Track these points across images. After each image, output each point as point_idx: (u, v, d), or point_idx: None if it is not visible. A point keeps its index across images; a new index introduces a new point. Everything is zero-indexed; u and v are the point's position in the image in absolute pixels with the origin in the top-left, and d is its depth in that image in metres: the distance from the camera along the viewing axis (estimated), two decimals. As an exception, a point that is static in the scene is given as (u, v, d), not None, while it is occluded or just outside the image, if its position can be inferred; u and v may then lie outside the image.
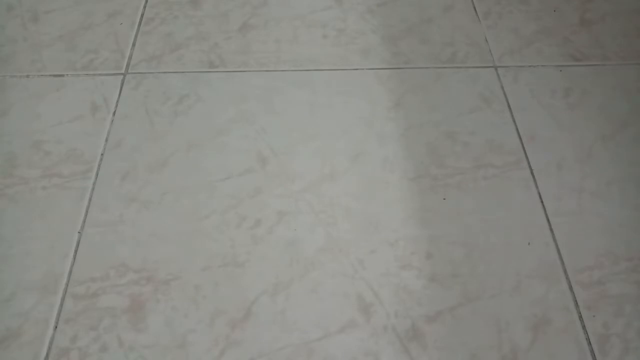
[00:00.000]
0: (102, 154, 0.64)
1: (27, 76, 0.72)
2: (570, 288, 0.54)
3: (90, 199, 0.60)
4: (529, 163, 0.63)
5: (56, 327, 0.52)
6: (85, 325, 0.52)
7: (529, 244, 0.57)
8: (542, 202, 0.60)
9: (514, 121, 0.67)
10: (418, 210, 0.60)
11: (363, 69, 0.73)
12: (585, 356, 0.51)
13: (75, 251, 0.57)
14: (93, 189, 0.61)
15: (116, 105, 0.68)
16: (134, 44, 0.75)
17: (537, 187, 0.61)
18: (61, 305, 0.53)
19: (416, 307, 0.53)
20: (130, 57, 0.73)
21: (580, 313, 0.53)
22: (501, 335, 0.52)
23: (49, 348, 0.51)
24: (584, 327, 0.52)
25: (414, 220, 0.59)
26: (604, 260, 0.56)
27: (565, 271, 0.55)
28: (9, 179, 0.62)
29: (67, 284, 0.54)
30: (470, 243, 0.57)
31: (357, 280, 0.55)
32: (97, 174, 0.62)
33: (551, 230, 0.58)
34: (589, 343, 0.51)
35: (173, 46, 0.75)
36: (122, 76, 0.71)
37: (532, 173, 0.63)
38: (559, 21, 0.78)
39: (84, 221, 0.59)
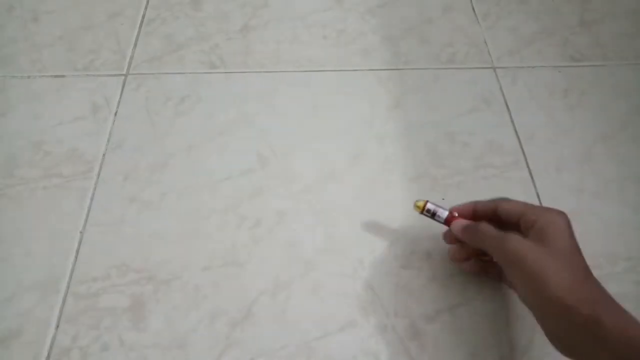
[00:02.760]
0: (103, 154, 0.64)
1: (28, 76, 0.72)
2: (569, 288, 0.54)
3: (91, 199, 0.60)
4: (527, 163, 0.64)
5: (57, 326, 0.52)
6: (86, 324, 0.52)
7: (528, 244, 0.57)
8: (540, 202, 0.61)
9: (512, 122, 0.67)
10: (418, 210, 0.60)
11: (363, 69, 0.73)
12: (584, 356, 0.51)
13: (77, 251, 0.57)
14: (94, 189, 0.61)
15: (117, 106, 0.69)
16: (135, 45, 0.75)
17: (535, 187, 0.62)
18: (62, 305, 0.53)
19: (416, 307, 0.53)
20: (131, 58, 0.74)
21: (579, 313, 0.53)
22: (500, 334, 0.52)
23: (50, 348, 0.51)
24: (582, 326, 0.52)
25: (414, 220, 0.59)
26: (602, 260, 0.56)
27: (564, 271, 0.55)
28: (10, 179, 0.62)
29: (68, 284, 0.55)
30: (470, 243, 0.58)
31: (357, 280, 0.55)
32: (98, 174, 0.62)
33: (550, 230, 0.58)
34: (588, 343, 0.51)
35: (174, 47, 0.75)
36: (123, 77, 0.72)
37: (530, 173, 0.63)
38: (559, 22, 0.78)
39: (86, 221, 0.59)
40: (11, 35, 0.76)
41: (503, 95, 0.70)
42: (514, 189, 0.62)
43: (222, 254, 0.57)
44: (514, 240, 0.40)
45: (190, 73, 0.72)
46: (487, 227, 0.44)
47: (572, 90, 0.71)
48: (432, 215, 0.50)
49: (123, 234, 0.58)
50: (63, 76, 0.72)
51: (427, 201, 0.51)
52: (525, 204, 0.44)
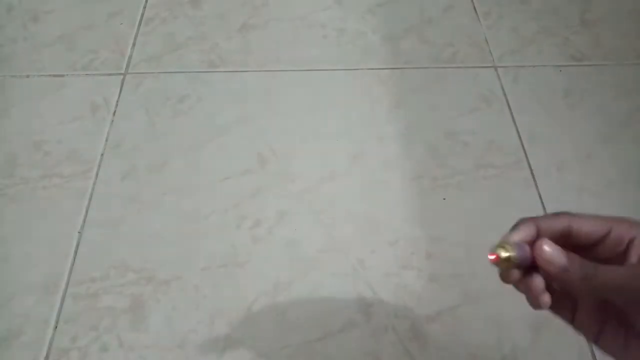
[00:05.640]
0: (102, 154, 0.64)
1: (28, 76, 0.72)
2: (570, 288, 0.54)
3: (90, 199, 0.60)
4: (528, 163, 0.63)
5: (56, 327, 0.52)
6: (85, 325, 0.52)
7: (529, 244, 0.57)
8: (542, 202, 0.60)
9: (513, 121, 0.67)
10: (418, 210, 0.60)
11: (363, 69, 0.73)
12: (586, 356, 0.51)
13: (76, 251, 0.57)
14: (93, 189, 0.61)
15: (116, 106, 0.69)
16: (134, 44, 0.75)
17: (537, 187, 0.61)
18: (61, 305, 0.53)
19: (416, 307, 0.53)
20: (130, 57, 0.73)
21: (580, 313, 0.53)
22: (501, 335, 0.52)
23: (49, 348, 0.51)
24: (584, 327, 0.52)
25: (414, 220, 0.59)
26: (604, 260, 0.56)
27: (565, 271, 0.55)
28: (10, 179, 0.62)
29: (67, 284, 0.54)
30: (470, 243, 0.57)
31: (357, 280, 0.55)
32: (97, 174, 0.62)
33: (551, 230, 0.58)
34: (589, 343, 0.51)
35: (173, 46, 0.75)
36: (122, 76, 0.71)
37: (532, 173, 0.63)
38: (559, 21, 0.78)
39: (84, 221, 0.59)
40: (10, 35, 0.76)
41: (504, 94, 0.70)
42: (515, 188, 0.61)
43: (221, 254, 0.57)
44: None
45: (189, 72, 0.72)
46: (611, 273, 0.28)
47: (573, 90, 0.70)
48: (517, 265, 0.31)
49: (122, 234, 0.58)
50: (62, 76, 0.72)
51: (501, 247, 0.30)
52: (603, 218, 0.32)
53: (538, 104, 0.69)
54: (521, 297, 0.56)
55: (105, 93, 0.70)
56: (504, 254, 0.30)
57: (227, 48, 0.75)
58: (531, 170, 0.63)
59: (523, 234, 0.31)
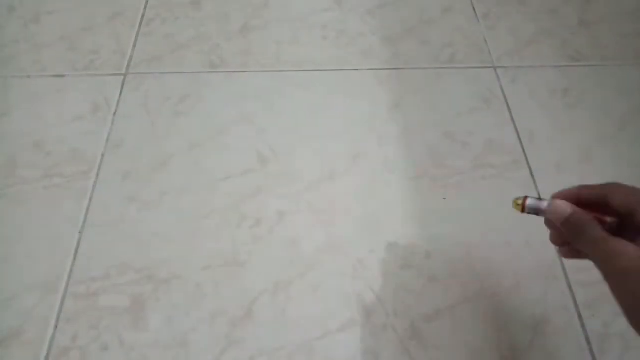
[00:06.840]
0: (103, 154, 0.64)
1: (29, 76, 0.72)
2: (570, 287, 0.55)
3: (91, 199, 0.60)
4: (528, 163, 0.64)
5: (57, 326, 0.52)
6: (85, 324, 0.52)
7: (527, 243, 0.57)
8: (541, 202, 0.60)
9: (513, 121, 0.67)
10: (418, 210, 0.60)
11: (363, 69, 0.73)
12: (585, 355, 0.51)
13: (76, 251, 0.57)
14: (94, 189, 0.61)
15: (117, 106, 0.69)
16: (134, 45, 0.75)
17: (536, 187, 0.62)
18: (62, 304, 0.53)
19: (416, 307, 0.53)
20: (131, 58, 0.74)
21: (579, 312, 0.53)
22: (500, 334, 0.52)
23: (50, 347, 0.51)
24: (583, 326, 0.52)
25: (414, 220, 0.59)
26: (603, 259, 0.56)
27: (564, 270, 0.56)
28: (11, 179, 0.62)
29: (67, 284, 0.55)
30: (470, 243, 0.58)
31: (357, 280, 0.55)
32: (98, 174, 0.62)
33: (550, 230, 0.58)
34: (588, 342, 0.51)
35: (174, 47, 0.75)
36: (122, 77, 0.72)
37: (531, 173, 0.63)
38: (558, 22, 0.79)
39: (85, 221, 0.59)
40: (12, 35, 0.77)
41: (503, 94, 0.70)
42: (514, 188, 0.62)
43: (222, 253, 0.57)
44: (626, 259, 0.32)
45: (190, 73, 0.72)
46: (594, 231, 0.35)
47: (572, 90, 0.71)
48: (536, 212, 0.40)
49: (122, 234, 0.58)
50: (63, 76, 0.72)
51: (526, 197, 0.40)
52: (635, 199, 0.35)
53: (537, 104, 0.69)
54: (520, 297, 0.56)
55: (106, 93, 0.70)
56: (518, 202, 0.40)
57: (228, 49, 0.75)
58: (530, 170, 0.63)
59: (560, 193, 0.39)
